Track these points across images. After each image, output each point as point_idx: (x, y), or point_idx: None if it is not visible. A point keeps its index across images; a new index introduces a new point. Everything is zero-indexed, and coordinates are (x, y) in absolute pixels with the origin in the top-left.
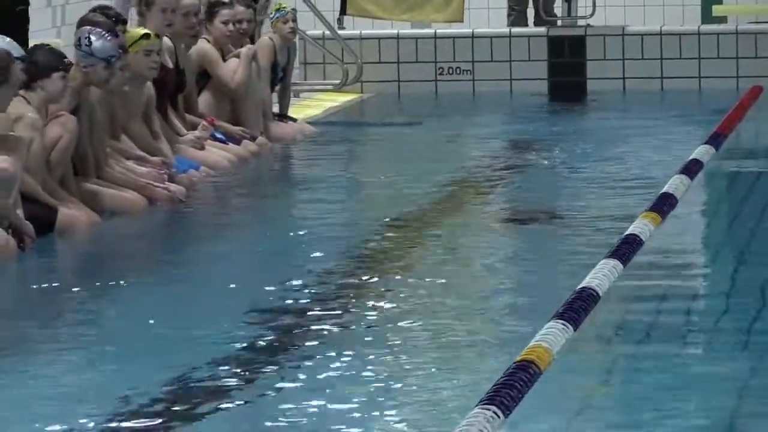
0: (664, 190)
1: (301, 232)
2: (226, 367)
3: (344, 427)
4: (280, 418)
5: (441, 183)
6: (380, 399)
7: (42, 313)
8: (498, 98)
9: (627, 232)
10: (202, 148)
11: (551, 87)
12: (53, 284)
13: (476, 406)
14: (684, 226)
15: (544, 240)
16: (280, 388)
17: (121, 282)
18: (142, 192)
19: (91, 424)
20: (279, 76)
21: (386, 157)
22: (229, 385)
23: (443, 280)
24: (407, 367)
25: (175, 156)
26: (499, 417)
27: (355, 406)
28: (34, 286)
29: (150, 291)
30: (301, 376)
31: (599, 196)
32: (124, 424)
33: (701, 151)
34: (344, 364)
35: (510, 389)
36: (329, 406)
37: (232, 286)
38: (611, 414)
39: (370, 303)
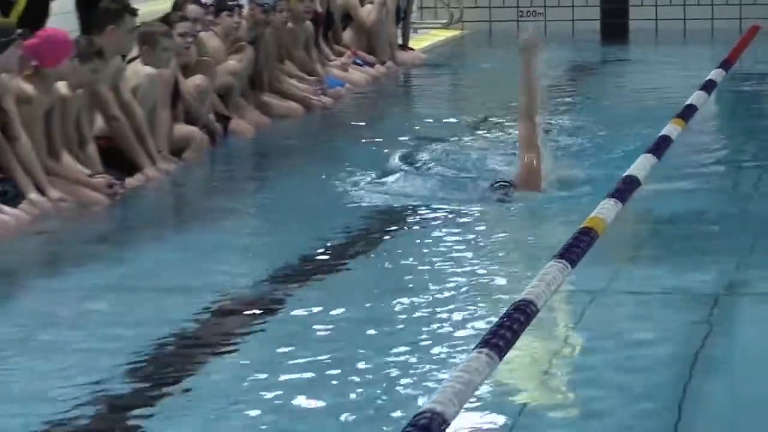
0: (688, 102)
1: (415, 127)
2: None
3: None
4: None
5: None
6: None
7: (224, 187)
8: (564, 36)
9: (660, 134)
10: (346, 70)
11: (602, 27)
12: (235, 169)
13: (551, 260)
14: (703, 129)
15: (586, 131)
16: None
17: (285, 168)
18: (301, 102)
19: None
20: (401, 16)
21: (477, 76)
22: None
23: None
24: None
25: (326, 76)
26: (568, 268)
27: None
28: (223, 170)
29: (305, 174)
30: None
31: (638, 100)
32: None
33: (715, 74)
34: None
35: (575, 248)
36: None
37: (366, 171)
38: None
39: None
